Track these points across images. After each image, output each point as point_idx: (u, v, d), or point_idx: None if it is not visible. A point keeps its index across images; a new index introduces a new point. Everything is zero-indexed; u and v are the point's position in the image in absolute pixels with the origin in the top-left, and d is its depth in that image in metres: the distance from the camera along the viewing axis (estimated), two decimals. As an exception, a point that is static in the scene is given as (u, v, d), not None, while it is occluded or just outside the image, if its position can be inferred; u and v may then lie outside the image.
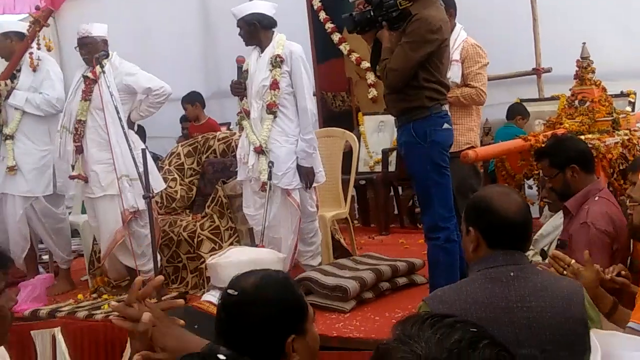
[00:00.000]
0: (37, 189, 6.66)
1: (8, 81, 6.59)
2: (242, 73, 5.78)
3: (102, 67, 5.95)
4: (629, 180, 4.55)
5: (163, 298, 5.92)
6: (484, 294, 2.70)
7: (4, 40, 6.66)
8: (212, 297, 3.88)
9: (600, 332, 2.42)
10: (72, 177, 6.28)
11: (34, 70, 6.63)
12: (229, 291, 2.18)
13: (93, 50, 6.07)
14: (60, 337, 5.62)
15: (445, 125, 4.87)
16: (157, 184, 6.23)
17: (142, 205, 5.93)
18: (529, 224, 2.84)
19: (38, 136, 6.62)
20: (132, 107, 6.20)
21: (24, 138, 6.62)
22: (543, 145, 5.02)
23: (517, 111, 8.40)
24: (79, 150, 6.14)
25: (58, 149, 6.28)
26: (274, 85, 5.66)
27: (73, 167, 6.21)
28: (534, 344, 2.54)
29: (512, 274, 2.72)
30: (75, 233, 7.40)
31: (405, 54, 4.66)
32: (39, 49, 6.69)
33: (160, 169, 7.70)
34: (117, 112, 5.79)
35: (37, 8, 7.14)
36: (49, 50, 6.78)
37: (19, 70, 6.65)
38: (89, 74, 6.10)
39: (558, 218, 4.94)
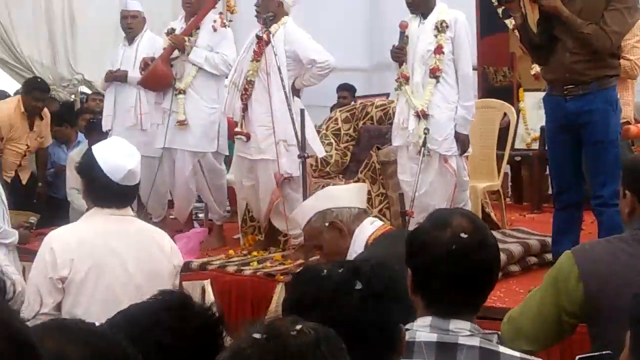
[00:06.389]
0: (205, 145, 6.78)
1: (192, 38, 6.71)
2: (404, 38, 5.79)
3: (267, 28, 6.04)
4: None
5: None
6: (630, 254, 2.68)
7: None
8: None
9: None
10: (236, 133, 6.41)
11: (215, 30, 6.71)
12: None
13: (264, 5, 6.14)
14: (209, 289, 5.82)
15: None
16: (317, 149, 6.32)
17: (296, 171, 6.04)
18: None
19: (208, 93, 6.70)
20: (297, 74, 6.24)
21: (195, 94, 6.73)
22: None
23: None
24: (244, 109, 6.29)
25: (224, 104, 6.44)
26: (439, 49, 5.66)
27: (237, 123, 6.38)
28: None
29: None
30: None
31: (624, 18, 4.73)
32: (232, 12, 6.82)
33: (317, 132, 7.84)
34: (282, 77, 5.89)
35: None
36: (232, 13, 6.91)
37: (198, 28, 6.72)
38: (263, 35, 6.16)
39: None
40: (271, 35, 6.07)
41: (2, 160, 8.19)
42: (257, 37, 6.18)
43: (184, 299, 1.92)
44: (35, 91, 8.36)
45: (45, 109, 8.60)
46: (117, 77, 7.23)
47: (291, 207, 6.10)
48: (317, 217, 3.62)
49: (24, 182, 8.48)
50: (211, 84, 6.74)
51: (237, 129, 6.35)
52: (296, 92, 6.29)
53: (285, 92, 5.90)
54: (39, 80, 8.91)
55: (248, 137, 6.27)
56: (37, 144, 8.48)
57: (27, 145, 8.31)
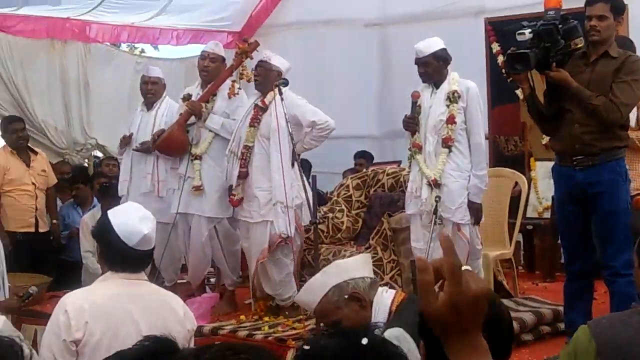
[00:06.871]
0: (221, 212, 6.84)
1: (208, 104, 6.84)
2: (416, 108, 5.86)
3: (281, 94, 6.15)
4: None
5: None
6: None
7: (222, 63, 6.92)
8: None
9: None
10: (230, 201, 6.58)
11: (230, 97, 6.83)
12: None
13: (264, 75, 6.36)
14: (221, 354, 5.79)
15: None
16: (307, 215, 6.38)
17: (292, 232, 6.17)
18: None
19: (224, 159, 6.73)
20: (297, 139, 6.28)
21: (211, 160, 6.82)
22: None
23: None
24: (244, 175, 6.40)
25: (225, 173, 6.56)
26: (451, 119, 5.74)
27: (231, 189, 6.52)
28: None
29: None
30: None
31: (633, 91, 4.82)
32: (248, 81, 6.86)
33: (328, 199, 7.88)
34: (287, 140, 6.07)
35: (245, 40, 7.44)
36: (248, 81, 6.95)
37: (215, 95, 6.87)
38: (259, 103, 6.36)
39: None
40: (269, 102, 6.26)
41: (5, 210, 8.01)
42: (255, 105, 6.38)
43: (170, 344, 1.86)
44: (10, 125, 8.30)
45: (40, 151, 8.55)
46: (142, 149, 7.22)
47: (280, 271, 6.29)
48: (334, 291, 3.47)
49: (42, 230, 8.25)
50: (226, 150, 6.76)
51: (233, 197, 6.50)
52: (295, 156, 6.31)
53: (285, 155, 6.09)
54: (7, 114, 8.92)
55: (237, 204, 6.46)
56: (43, 180, 8.28)
57: (33, 183, 8.13)
